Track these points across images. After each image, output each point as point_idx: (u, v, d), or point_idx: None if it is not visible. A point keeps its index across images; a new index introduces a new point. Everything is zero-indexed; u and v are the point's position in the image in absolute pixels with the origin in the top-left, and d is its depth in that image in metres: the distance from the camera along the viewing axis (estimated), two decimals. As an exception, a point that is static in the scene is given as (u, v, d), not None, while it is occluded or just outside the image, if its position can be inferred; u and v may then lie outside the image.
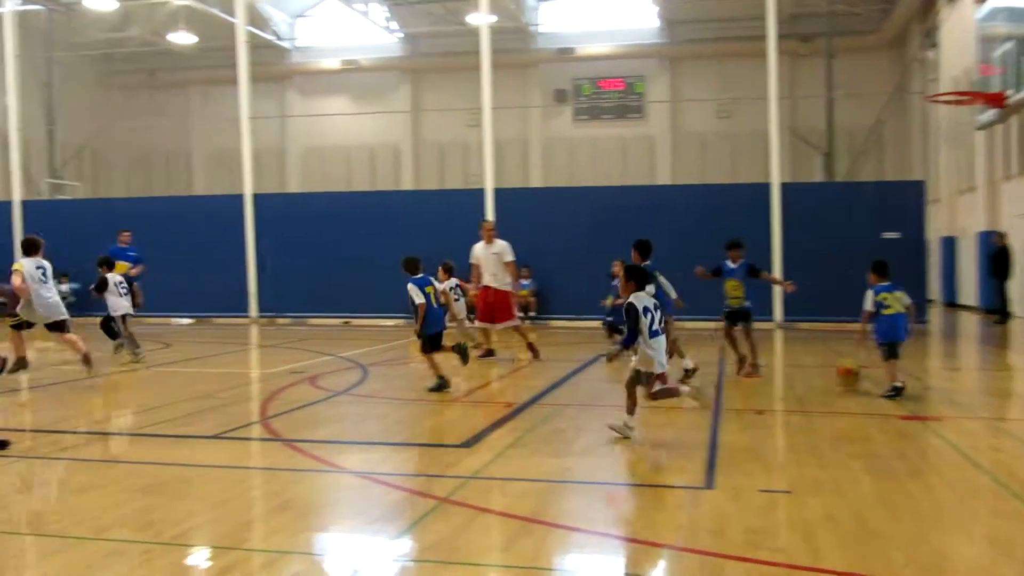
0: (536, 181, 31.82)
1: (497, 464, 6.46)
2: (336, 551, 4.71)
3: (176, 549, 4.53)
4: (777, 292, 18.07)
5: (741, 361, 10.81)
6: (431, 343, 9.67)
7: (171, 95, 36.25)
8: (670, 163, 31.74)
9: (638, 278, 7.23)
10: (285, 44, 35.01)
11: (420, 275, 9.72)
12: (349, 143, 34.90)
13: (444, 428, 8.16)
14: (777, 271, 17.85)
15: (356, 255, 19.93)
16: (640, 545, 4.72)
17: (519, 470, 6.35)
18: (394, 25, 33.60)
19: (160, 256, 20.44)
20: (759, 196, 19.01)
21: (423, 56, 34.07)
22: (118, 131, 33.34)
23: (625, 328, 7.23)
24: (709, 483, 5.82)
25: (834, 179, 23.93)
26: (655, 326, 7.03)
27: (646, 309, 7.02)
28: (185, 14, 30.94)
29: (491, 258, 12.68)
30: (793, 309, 17.88)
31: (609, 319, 14.12)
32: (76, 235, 20.29)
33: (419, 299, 9.49)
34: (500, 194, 20.23)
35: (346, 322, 20.22)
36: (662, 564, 4.59)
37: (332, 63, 34.51)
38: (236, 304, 20.73)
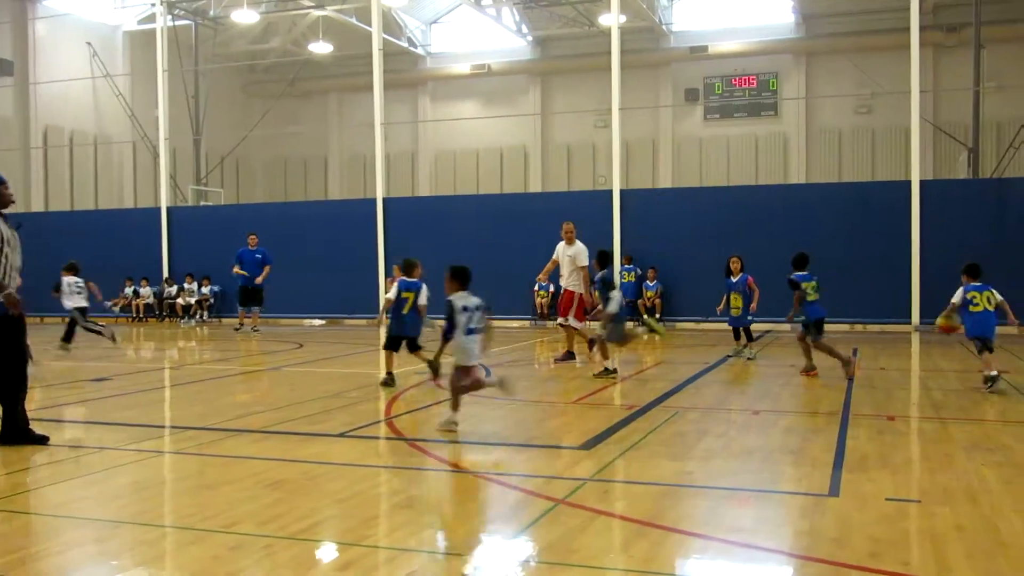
0: (665, 182, 31.43)
1: (616, 466, 6.40)
2: (455, 549, 4.75)
3: (299, 543, 4.66)
4: (915, 294, 17.33)
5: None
6: (391, 343, 10.68)
7: (310, 103, 37.59)
8: (804, 161, 30.81)
9: (461, 279, 7.83)
10: (419, 51, 35.75)
11: (415, 279, 10.78)
12: (479, 146, 35.33)
13: (564, 430, 8.14)
14: (915, 272, 17.13)
15: (483, 257, 20.14)
16: (759, 551, 4.58)
17: (638, 473, 6.28)
18: (524, 29, 33.84)
19: (296, 259, 21.23)
20: (898, 194, 18.24)
21: (553, 59, 34.19)
22: (259, 139, 34.73)
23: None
24: (834, 490, 5.61)
25: (980, 176, 22.72)
26: (472, 324, 7.63)
27: (464, 307, 7.62)
28: (324, 24, 32.03)
29: (566, 259, 12.78)
30: (931, 312, 17.08)
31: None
32: (219, 239, 21.26)
33: (391, 295, 10.65)
34: (628, 195, 20.08)
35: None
36: (782, 572, 4.44)
37: (463, 68, 35.02)
38: (368, 306, 21.28)
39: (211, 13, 31.60)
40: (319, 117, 37.50)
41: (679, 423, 8.02)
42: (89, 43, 31.89)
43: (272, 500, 5.48)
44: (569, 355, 12.69)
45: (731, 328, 13.34)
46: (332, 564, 4.48)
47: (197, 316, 22.29)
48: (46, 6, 30.43)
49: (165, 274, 23.26)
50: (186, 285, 22.64)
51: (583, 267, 12.58)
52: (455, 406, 7.72)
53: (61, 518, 5.27)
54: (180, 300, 22.54)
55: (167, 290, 22.94)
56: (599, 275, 11.33)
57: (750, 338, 13.10)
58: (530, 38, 34.21)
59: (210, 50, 32.89)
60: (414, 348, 10.61)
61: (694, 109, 32.15)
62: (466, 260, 21.72)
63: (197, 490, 5.92)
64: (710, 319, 14.15)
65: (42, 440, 7.27)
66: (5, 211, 7.46)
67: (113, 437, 7.73)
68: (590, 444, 6.98)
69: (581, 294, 12.54)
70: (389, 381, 10.51)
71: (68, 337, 14.89)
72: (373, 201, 21.78)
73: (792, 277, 10.87)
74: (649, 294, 19.18)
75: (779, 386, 10.63)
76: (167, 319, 22.90)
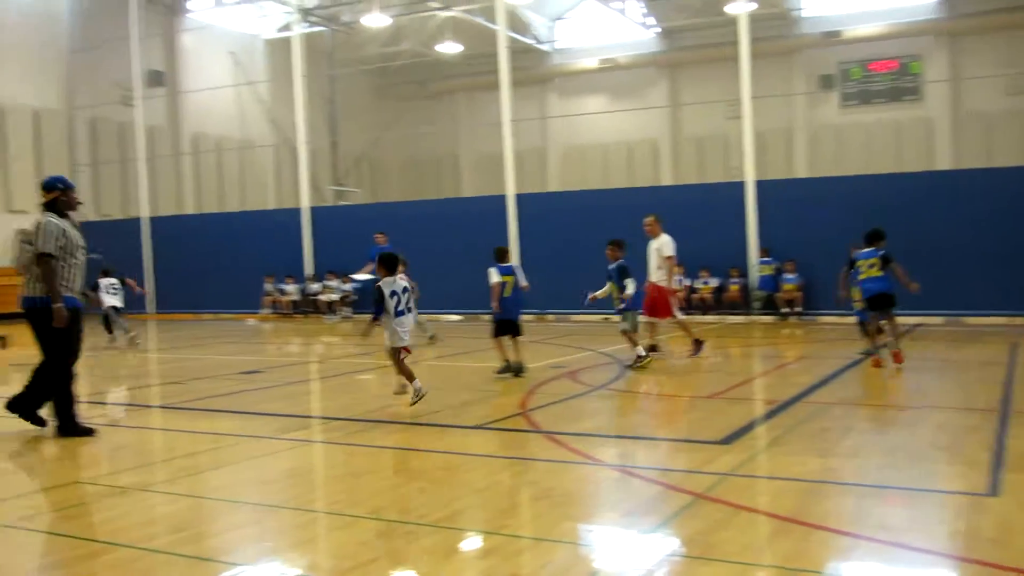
0: (801, 171, 30.54)
1: (756, 461, 6.29)
2: (592, 541, 4.78)
3: (439, 531, 4.78)
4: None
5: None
6: (499, 329, 10.80)
7: (440, 103, 38.27)
8: (950, 146, 29.40)
9: (388, 265, 8.51)
10: (545, 47, 35.88)
11: (507, 264, 11.01)
12: (607, 141, 35.20)
13: (702, 424, 8.04)
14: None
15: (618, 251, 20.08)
16: (911, 551, 4.42)
17: (779, 468, 6.15)
18: (651, 21, 33.51)
19: (430, 256, 21.61)
20: (1056, 178, 17.20)
21: (680, 50, 33.73)
22: (392, 139, 35.59)
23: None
24: (993, 490, 5.35)
25: None
26: (400, 307, 8.41)
27: (393, 292, 8.36)
28: (452, 25, 32.54)
29: (653, 253, 12.57)
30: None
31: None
32: (356, 237, 21.85)
33: (495, 280, 10.71)
34: (763, 186, 19.61)
35: (606, 319, 20.40)
36: (936, 573, 4.28)
37: (590, 63, 34.95)
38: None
39: (344, 19, 32.56)
40: (449, 116, 38.11)
41: (823, 419, 7.81)
42: (232, 52, 33.37)
43: (414, 488, 5.63)
44: (698, 344, 12.42)
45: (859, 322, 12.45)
46: (473, 552, 4.57)
47: (340, 312, 23.01)
48: (192, 19, 31.98)
49: (308, 272, 24.11)
50: (328, 282, 23.40)
51: (668, 257, 12.44)
52: (410, 378, 8.44)
53: (222, 501, 5.56)
54: (323, 297, 23.32)
55: (311, 287, 23.77)
56: (615, 264, 11.53)
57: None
58: (657, 30, 33.84)
59: (344, 55, 33.89)
60: (516, 333, 10.71)
61: (829, 96, 31.13)
62: (597, 254, 21.59)
63: (344, 478, 6.14)
64: (854, 312, 13.61)
65: (88, 432, 7.57)
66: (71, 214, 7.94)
67: (265, 426, 8.09)
68: (730, 439, 6.88)
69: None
70: (507, 369, 10.56)
71: (109, 329, 16.25)
72: (504, 197, 21.99)
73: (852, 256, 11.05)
74: (788, 287, 18.67)
75: (929, 381, 10.21)
76: (311, 315, 23.74)
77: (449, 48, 33.06)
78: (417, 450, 6.81)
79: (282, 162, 34.31)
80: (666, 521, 4.92)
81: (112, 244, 27.20)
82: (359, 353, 14.71)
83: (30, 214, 29.50)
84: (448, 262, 21.60)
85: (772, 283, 18.90)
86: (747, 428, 7.33)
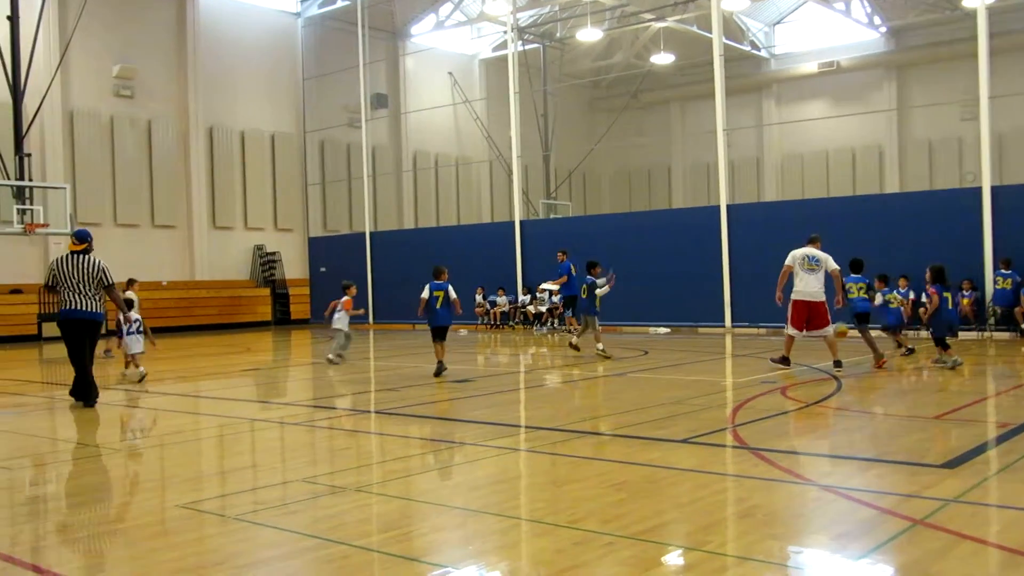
0: (1046, 175, 28.08)
1: (984, 488, 5.82)
2: (799, 563, 4.58)
3: (639, 543, 4.73)
4: None
5: None
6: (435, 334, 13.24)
7: (652, 114, 38.10)
8: None
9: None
10: (762, 53, 34.96)
11: (441, 280, 12.95)
12: (828, 147, 33.82)
13: (923, 446, 7.53)
14: None
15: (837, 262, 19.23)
16: None
17: (1011, 496, 5.66)
18: (877, 20, 31.92)
19: (640, 268, 21.55)
20: None
21: (910, 49, 31.93)
22: (604, 152, 35.76)
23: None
24: None
25: None
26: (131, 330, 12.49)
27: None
28: (664, 35, 32.34)
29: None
30: None
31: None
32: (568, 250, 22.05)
33: (424, 295, 12.88)
34: (1001, 192, 18.21)
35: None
36: None
37: (810, 67, 33.75)
38: (712, 314, 21.09)
39: (557, 35, 33.07)
40: (662, 127, 37.86)
41: (1064, 444, 7.13)
42: (450, 73, 34.67)
43: (615, 500, 5.61)
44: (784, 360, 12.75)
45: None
46: (673, 567, 4.50)
47: (548, 324, 23.35)
48: (414, 43, 33.52)
49: (519, 284, 24.64)
50: (537, 294, 23.82)
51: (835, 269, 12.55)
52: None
53: (429, 504, 5.77)
54: (532, 308, 23.75)
55: (521, 299, 24.28)
56: (589, 279, 14.60)
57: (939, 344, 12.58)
58: (883, 29, 32.19)
59: (557, 70, 34.42)
60: (443, 338, 13.20)
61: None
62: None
63: (546, 486, 6.22)
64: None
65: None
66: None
67: (473, 433, 8.33)
68: (955, 463, 6.41)
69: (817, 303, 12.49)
70: (440, 369, 12.88)
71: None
72: (717, 208, 21.57)
73: (844, 279, 12.83)
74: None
75: None
76: (521, 326, 24.23)
77: (662, 59, 32.86)
78: (620, 462, 6.78)
79: (496, 177, 35.26)
80: (879, 547, 4.64)
81: (337, 258, 28.93)
82: (565, 364, 14.85)
83: (265, 230, 31.88)
84: (657, 274, 21.43)
85: (1011, 297, 17.47)
86: (975, 452, 6.80)
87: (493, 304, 24.74)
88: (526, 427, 8.85)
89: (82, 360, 10.62)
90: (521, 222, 25.24)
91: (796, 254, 12.58)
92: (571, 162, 35.04)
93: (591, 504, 5.53)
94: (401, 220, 33.33)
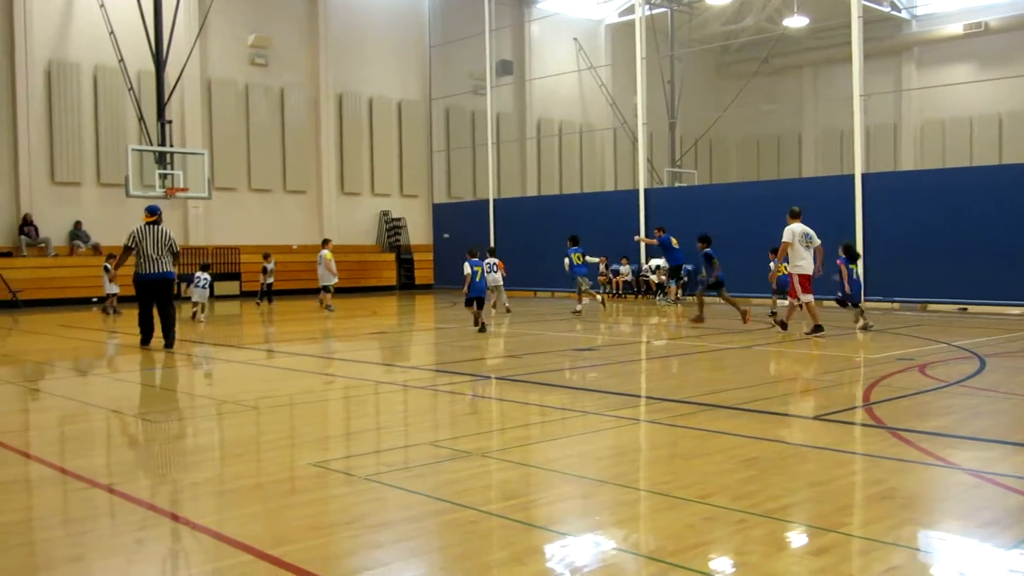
0: None
1: None
2: (940, 550, 4.36)
3: (771, 522, 4.59)
4: None
5: None
6: (469, 303, 15.28)
7: (783, 79, 36.90)
8: None
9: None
10: (903, 15, 33.35)
11: (476, 258, 15.21)
12: (972, 113, 32.10)
13: (1080, 432, 7.07)
14: None
15: (976, 236, 18.27)
16: None
17: None
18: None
19: (769, 239, 20.97)
20: None
21: (1066, 8, 29.90)
22: (732, 119, 34.87)
23: None
24: None
25: None
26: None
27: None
28: (799, -3, 31.19)
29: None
30: None
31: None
32: (692, 219, 21.69)
33: (466, 270, 15.03)
34: None
35: (963, 308, 18.67)
36: None
37: (955, 28, 32.00)
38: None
39: (686, -1, 32.33)
40: (793, 93, 36.66)
41: None
42: (575, 39, 34.35)
43: (745, 476, 5.46)
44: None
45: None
46: (805, 547, 4.34)
47: (674, 295, 23.01)
48: (540, 8, 33.32)
49: (642, 254, 24.35)
50: (659, 264, 23.48)
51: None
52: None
53: (552, 472, 5.75)
54: (654, 278, 23.45)
55: (643, 268, 24.00)
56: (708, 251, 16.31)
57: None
58: (1038, -13, 30.19)
59: (685, 35, 33.68)
60: (480, 306, 15.23)
61: None
62: (956, 238, 19.99)
63: (671, 459, 6.11)
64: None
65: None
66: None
67: (595, 403, 8.27)
68: (1115, 450, 5.99)
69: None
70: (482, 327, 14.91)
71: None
72: (851, 177, 20.74)
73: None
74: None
75: None
76: (643, 296, 23.98)
77: (796, 22, 31.69)
78: (749, 437, 6.60)
79: (620, 144, 34.87)
80: (1030, 537, 4.37)
81: (461, 225, 29.20)
82: (689, 336, 14.61)
83: (391, 196, 32.47)
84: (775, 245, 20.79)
85: None
86: None
87: (616, 273, 24.53)
88: (649, 398, 8.74)
89: (150, 314, 13.04)
90: (646, 190, 24.88)
91: (796, 230, 13.76)
92: (697, 129, 34.31)
93: (720, 479, 5.40)
94: (524, 187, 33.36)
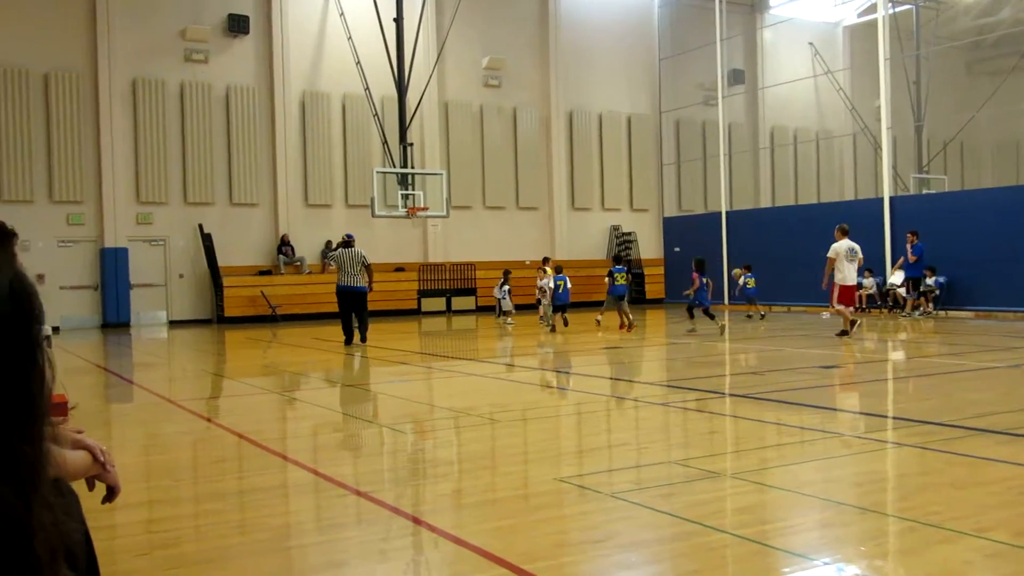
0: None
1: None
2: None
3: (1067, 564, 4.13)
4: None
5: None
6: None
7: (1045, 75, 33.79)
8: None
9: None
10: None
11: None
12: None
13: None
14: None
15: None
16: None
17: None
18: None
19: (1016, 248, 19.25)
20: None
21: None
22: (986, 119, 32.33)
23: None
24: None
25: None
26: None
27: None
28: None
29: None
30: None
31: None
32: (943, 228, 20.30)
33: (551, 285, 18.83)
34: None
35: None
36: None
37: None
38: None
39: (934, -7, 30.37)
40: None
41: None
42: (811, 43, 33.09)
43: (1029, 510, 4.96)
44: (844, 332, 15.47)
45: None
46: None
47: (921, 308, 21.58)
48: (773, 14, 32.38)
49: (887, 265, 23.00)
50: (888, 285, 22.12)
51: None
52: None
53: (808, 496, 5.46)
54: (902, 291, 22.07)
55: (890, 281, 22.65)
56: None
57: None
58: None
59: (931, 32, 31.63)
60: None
61: None
62: None
63: (941, 487, 5.65)
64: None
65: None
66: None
67: (847, 424, 7.84)
68: None
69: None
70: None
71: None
72: None
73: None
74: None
75: None
76: (889, 310, 22.63)
77: (1060, 11, 28.99)
78: (1026, 466, 6.01)
79: (860, 151, 33.21)
80: None
81: (692, 238, 28.77)
82: (948, 353, 13.58)
83: (621, 211, 32.53)
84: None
85: None
86: None
87: (859, 286, 23.29)
88: (910, 420, 8.16)
89: (350, 319, 16.32)
90: (891, 198, 23.49)
91: (840, 248, 15.50)
92: (946, 132, 32.05)
93: (999, 512, 4.93)
94: (758, 199, 32.43)
